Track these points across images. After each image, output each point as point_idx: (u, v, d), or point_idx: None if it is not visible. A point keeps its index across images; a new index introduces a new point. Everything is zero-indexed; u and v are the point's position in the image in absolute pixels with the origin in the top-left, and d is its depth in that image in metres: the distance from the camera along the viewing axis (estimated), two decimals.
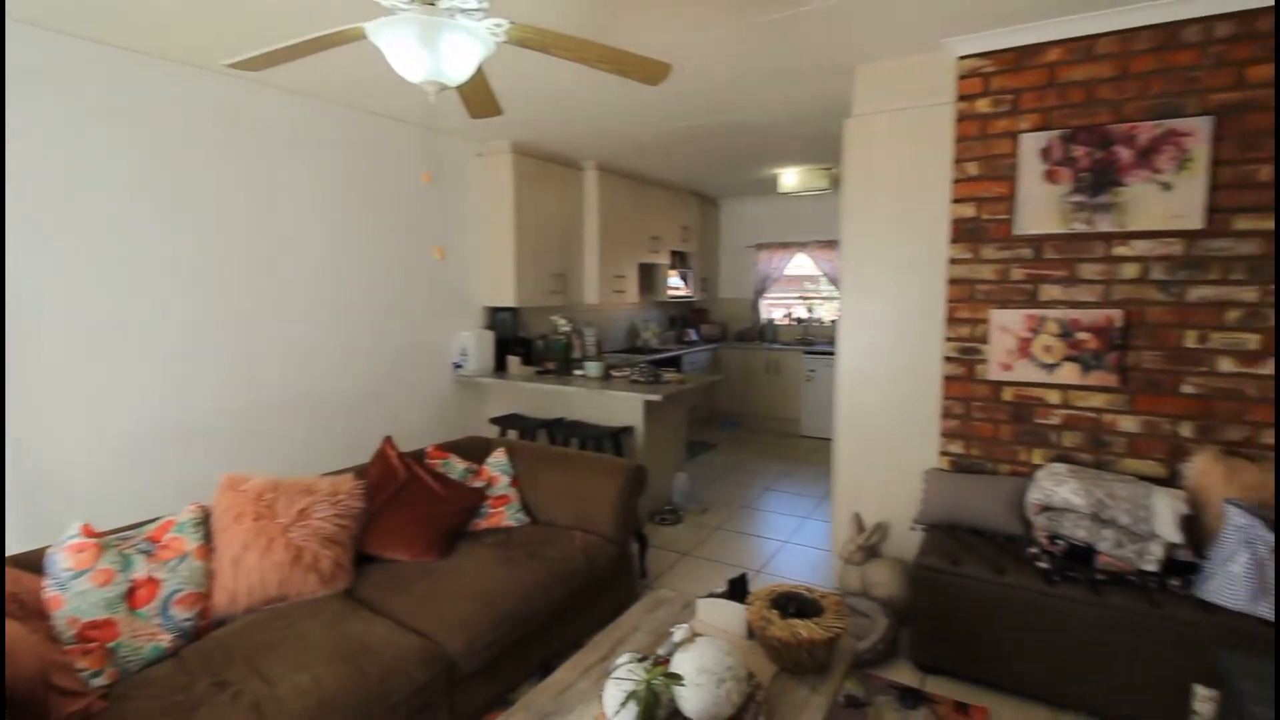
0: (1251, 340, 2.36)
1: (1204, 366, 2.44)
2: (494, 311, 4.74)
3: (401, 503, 2.59)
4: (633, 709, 1.41)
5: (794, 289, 7.20)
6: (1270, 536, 2.02)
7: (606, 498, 2.86)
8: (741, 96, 3.45)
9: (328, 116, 3.51)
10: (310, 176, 3.45)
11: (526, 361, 4.67)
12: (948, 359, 2.90)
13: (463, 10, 1.63)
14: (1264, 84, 2.29)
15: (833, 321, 6.67)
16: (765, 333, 7.12)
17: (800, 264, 7.00)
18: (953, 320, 2.87)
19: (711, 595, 2.12)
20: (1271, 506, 2.14)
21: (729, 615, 1.95)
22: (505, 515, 2.86)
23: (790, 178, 5.55)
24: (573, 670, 1.79)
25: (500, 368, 4.63)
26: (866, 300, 3.09)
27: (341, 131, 3.59)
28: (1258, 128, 2.31)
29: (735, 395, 6.93)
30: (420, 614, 2.15)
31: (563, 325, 4.80)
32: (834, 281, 6.56)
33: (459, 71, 1.71)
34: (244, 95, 3.12)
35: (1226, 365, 2.41)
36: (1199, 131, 2.37)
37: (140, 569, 1.96)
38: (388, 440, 2.80)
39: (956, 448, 2.91)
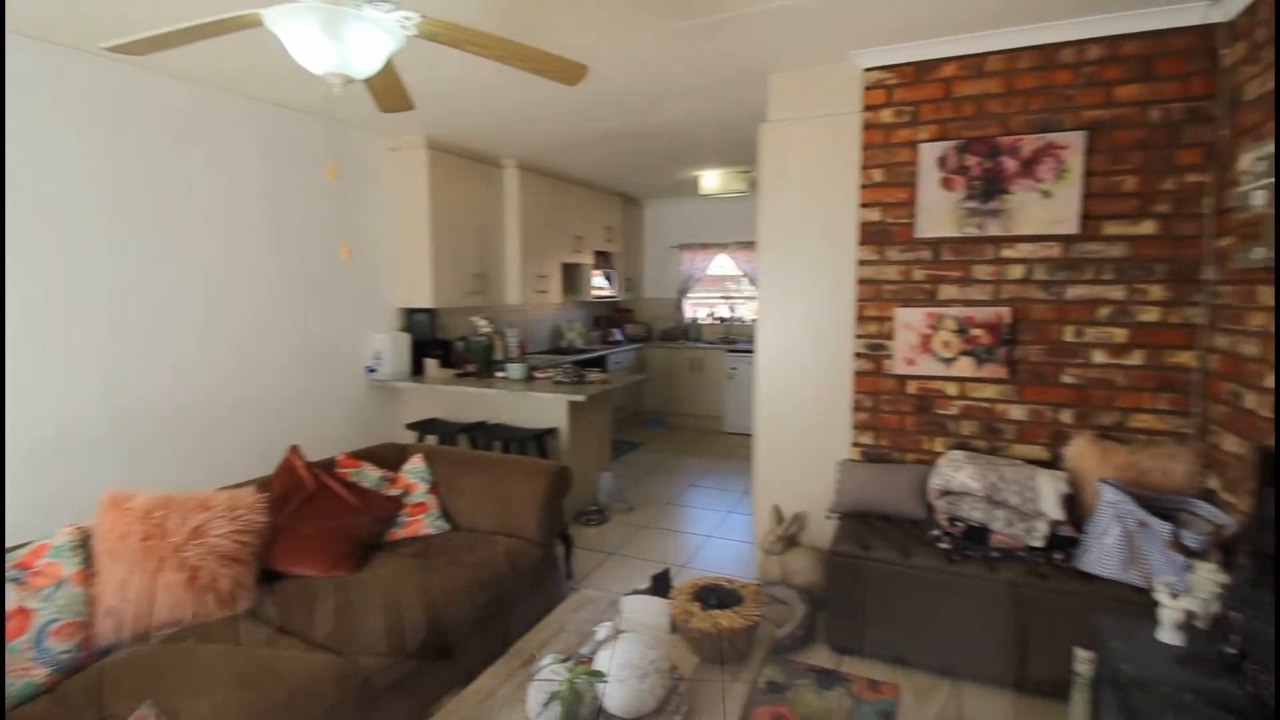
0: (1119, 334, 2.61)
1: (1080, 359, 2.67)
2: (410, 313, 4.58)
3: (309, 515, 2.46)
4: (555, 709, 1.40)
5: (716, 288, 7.36)
6: (1140, 512, 2.23)
7: (530, 501, 2.82)
8: (661, 99, 3.49)
9: (221, 104, 3.29)
10: (202, 170, 3.22)
11: (445, 364, 4.54)
12: (858, 355, 3.04)
13: (370, 1, 1.57)
14: (1129, 103, 2.53)
15: (753, 320, 6.86)
16: (689, 332, 7.23)
17: (722, 264, 7.16)
18: (862, 318, 3.02)
19: (635, 592, 2.14)
20: (1142, 486, 2.37)
21: (652, 611, 1.97)
22: (424, 523, 2.77)
23: (711, 180, 5.67)
24: (496, 676, 1.76)
25: (417, 371, 4.48)
26: (783, 300, 3.20)
27: (237, 121, 3.36)
28: (1123, 143, 2.55)
29: (660, 394, 7.01)
30: (331, 630, 2.05)
31: (483, 326, 4.69)
32: (753, 281, 6.74)
33: (366, 64, 1.65)
34: (124, 79, 2.88)
35: (1099, 357, 2.65)
36: (1074, 144, 2.59)
37: (9, 599, 1.77)
38: (293, 449, 2.66)
39: (867, 439, 3.06)
